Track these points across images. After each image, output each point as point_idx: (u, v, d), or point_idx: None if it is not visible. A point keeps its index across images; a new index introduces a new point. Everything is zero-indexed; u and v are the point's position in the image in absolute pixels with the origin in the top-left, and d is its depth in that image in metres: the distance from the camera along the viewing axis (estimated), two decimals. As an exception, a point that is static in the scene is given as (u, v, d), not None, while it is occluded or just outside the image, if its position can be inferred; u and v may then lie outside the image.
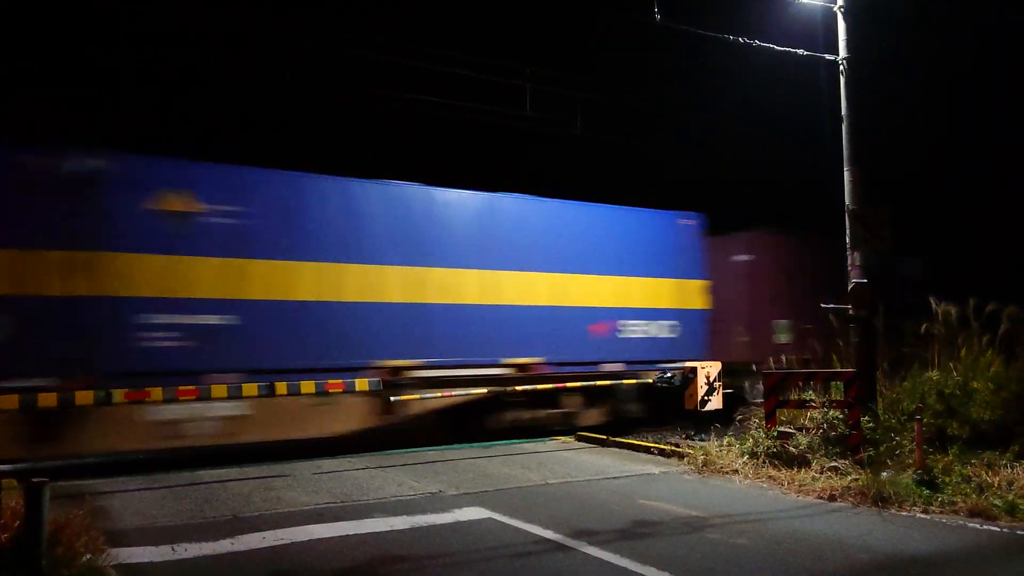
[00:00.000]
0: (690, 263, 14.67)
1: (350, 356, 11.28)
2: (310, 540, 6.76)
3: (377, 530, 7.10)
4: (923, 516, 7.64)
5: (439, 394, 11.89)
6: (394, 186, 12.15)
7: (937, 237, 19.93)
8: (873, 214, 10.70)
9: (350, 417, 11.31)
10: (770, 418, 9.99)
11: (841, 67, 11.27)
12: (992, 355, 10.58)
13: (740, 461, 9.73)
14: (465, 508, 7.93)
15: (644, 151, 22.36)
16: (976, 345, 10.75)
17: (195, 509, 8.00)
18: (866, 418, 9.70)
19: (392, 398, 11.49)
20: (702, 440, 11.30)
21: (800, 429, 9.99)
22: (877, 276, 10.68)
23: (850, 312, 10.71)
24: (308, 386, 10.66)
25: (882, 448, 9.32)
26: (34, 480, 5.41)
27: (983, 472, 8.52)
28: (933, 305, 11.07)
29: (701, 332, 14.65)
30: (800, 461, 9.37)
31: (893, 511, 7.79)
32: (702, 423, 12.14)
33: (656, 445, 11.51)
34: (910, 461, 8.78)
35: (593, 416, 13.51)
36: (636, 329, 13.89)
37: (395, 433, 11.90)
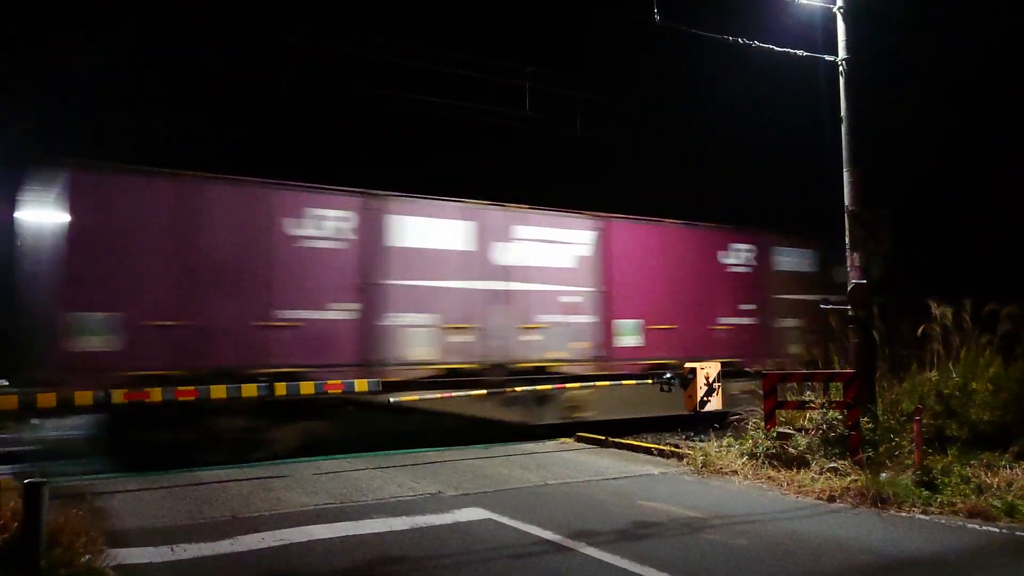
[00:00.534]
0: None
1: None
2: (309, 541, 6.76)
3: (376, 531, 7.09)
4: (922, 517, 7.64)
5: (437, 395, 11.89)
6: None
7: (936, 237, 19.92)
8: (872, 215, 10.70)
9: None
10: (769, 419, 10.00)
11: (841, 68, 11.27)
12: (991, 356, 10.58)
13: (739, 462, 9.73)
14: (464, 509, 7.93)
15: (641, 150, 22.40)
16: (975, 346, 10.75)
17: (194, 509, 8.00)
18: (865, 419, 9.70)
19: (391, 399, 11.49)
20: (701, 441, 11.30)
21: (799, 430, 9.99)
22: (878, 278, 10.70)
23: (849, 313, 10.72)
24: None
25: (881, 449, 9.32)
26: (33, 480, 5.42)
27: (982, 473, 8.53)
28: (932, 306, 11.07)
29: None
30: (799, 462, 9.37)
31: (892, 512, 7.79)
32: (702, 423, 12.15)
33: (655, 446, 11.51)
34: (909, 462, 8.78)
35: None
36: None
37: (396, 434, 11.93)
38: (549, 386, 13.05)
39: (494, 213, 13.24)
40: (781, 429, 9.94)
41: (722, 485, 9.19)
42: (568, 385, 13.20)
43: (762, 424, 10.13)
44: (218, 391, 10.27)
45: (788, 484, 8.88)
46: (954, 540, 6.87)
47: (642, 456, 11.32)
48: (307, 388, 10.98)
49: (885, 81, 18.43)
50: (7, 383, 10.64)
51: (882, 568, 6.06)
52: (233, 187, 11.27)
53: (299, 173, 11.93)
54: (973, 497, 7.84)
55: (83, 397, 9.65)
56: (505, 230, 13.30)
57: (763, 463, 9.54)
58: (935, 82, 21.85)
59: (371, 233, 12.08)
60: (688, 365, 12.57)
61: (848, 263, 10.83)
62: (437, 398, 11.89)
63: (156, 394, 9.98)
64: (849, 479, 8.60)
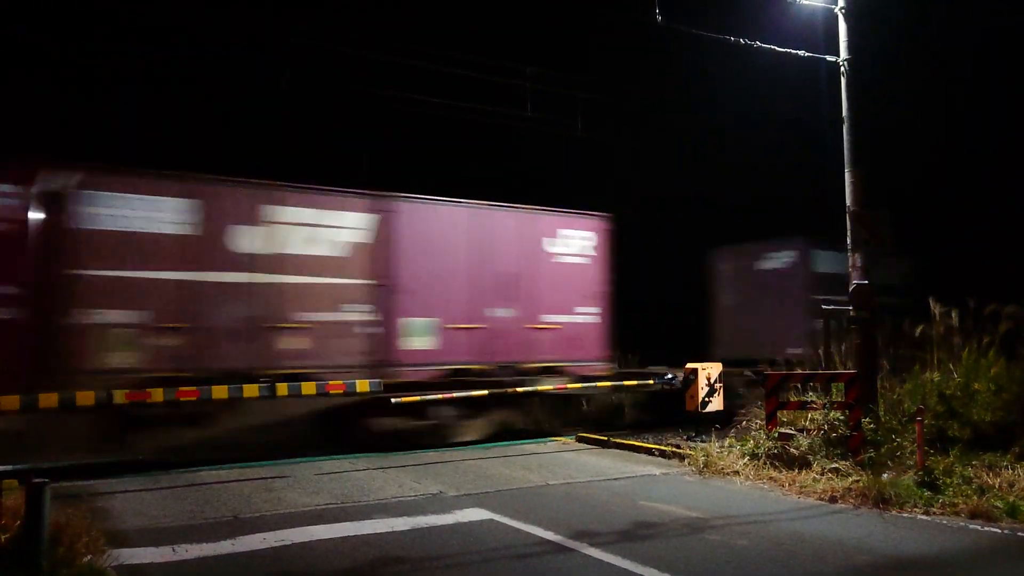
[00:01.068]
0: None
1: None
2: (311, 541, 6.76)
3: (378, 531, 7.09)
4: (924, 518, 7.63)
5: (439, 395, 11.88)
6: None
7: (938, 237, 19.93)
8: (874, 216, 10.70)
9: None
10: (771, 419, 9.99)
11: (842, 68, 11.26)
12: (993, 356, 10.57)
13: (741, 462, 9.72)
14: (466, 509, 7.93)
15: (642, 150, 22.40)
16: (977, 346, 10.74)
17: (196, 510, 8.00)
18: (867, 419, 9.69)
19: (393, 399, 11.48)
20: (703, 441, 11.29)
21: (801, 430, 9.98)
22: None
23: (851, 313, 10.71)
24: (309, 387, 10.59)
25: (883, 449, 9.31)
26: (35, 480, 5.42)
27: (984, 474, 8.53)
28: (932, 306, 11.06)
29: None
30: (801, 462, 9.36)
31: (894, 513, 7.78)
32: (703, 424, 12.13)
33: (657, 446, 11.51)
34: (911, 462, 8.78)
35: None
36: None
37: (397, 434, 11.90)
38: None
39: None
40: (783, 430, 9.94)
41: (724, 486, 9.18)
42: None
43: (764, 424, 10.13)
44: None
45: (790, 485, 8.88)
46: (956, 541, 6.86)
47: (643, 456, 11.31)
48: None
49: (887, 82, 18.44)
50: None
51: (884, 569, 6.06)
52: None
53: (303, 173, 11.96)
54: (975, 498, 7.82)
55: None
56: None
57: (765, 464, 9.54)
58: (937, 82, 21.85)
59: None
60: (689, 366, 12.55)
61: (849, 263, 10.83)
62: None
63: (363, 385, 10.66)
64: (851, 480, 8.59)
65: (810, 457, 9.41)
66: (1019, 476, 8.41)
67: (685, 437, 12.12)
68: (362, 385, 10.83)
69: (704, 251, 18.56)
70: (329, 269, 11.74)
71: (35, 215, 10.01)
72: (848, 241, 10.81)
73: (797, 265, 16.72)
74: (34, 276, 9.94)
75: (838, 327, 11.80)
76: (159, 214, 10.59)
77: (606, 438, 12.38)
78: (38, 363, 9.85)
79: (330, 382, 10.66)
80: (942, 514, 7.69)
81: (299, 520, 7.49)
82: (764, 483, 9.12)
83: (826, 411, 9.96)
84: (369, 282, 12.09)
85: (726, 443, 10.59)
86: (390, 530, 7.13)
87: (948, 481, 8.28)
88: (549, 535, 6.90)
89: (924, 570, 6.08)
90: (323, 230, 11.75)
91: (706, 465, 9.91)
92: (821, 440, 9.63)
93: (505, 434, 12.87)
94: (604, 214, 14.48)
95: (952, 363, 10.75)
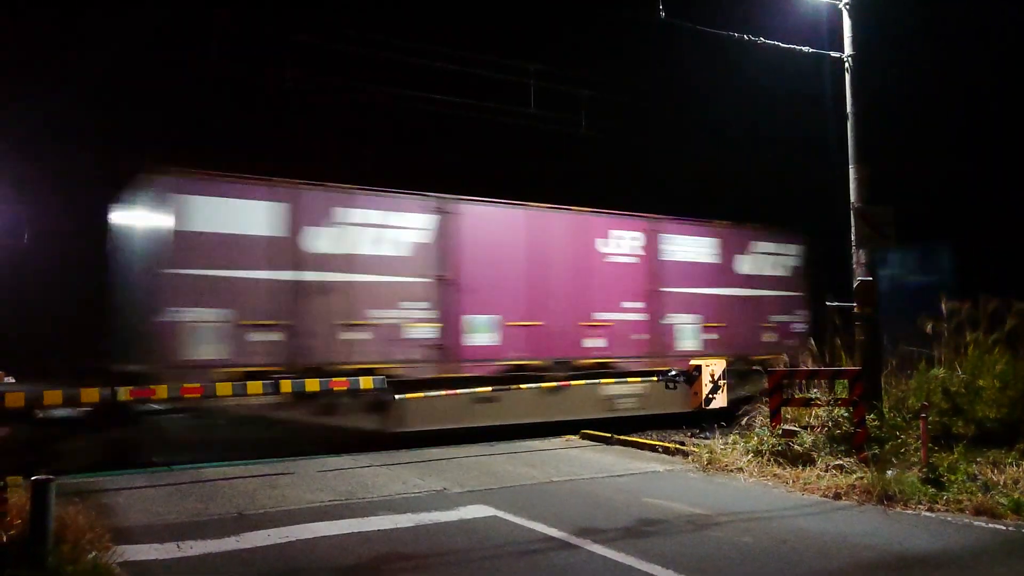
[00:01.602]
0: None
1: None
2: (315, 538, 6.77)
3: (382, 528, 7.10)
4: (928, 514, 7.62)
5: (442, 392, 11.89)
6: None
7: (943, 234, 19.83)
8: (878, 212, 10.67)
9: None
10: (775, 416, 9.98)
11: (847, 64, 11.23)
12: (999, 353, 10.54)
13: (745, 459, 9.72)
14: (470, 506, 7.94)
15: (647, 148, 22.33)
16: (983, 342, 10.71)
17: (200, 506, 8.02)
18: (871, 416, 9.68)
19: (396, 396, 11.50)
20: (707, 438, 11.29)
21: (805, 427, 9.97)
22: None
23: (855, 310, 10.69)
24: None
25: (887, 446, 9.30)
26: (40, 477, 5.43)
27: (989, 470, 8.51)
28: (941, 302, 11.03)
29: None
30: (805, 459, 9.35)
31: (898, 509, 7.77)
32: (707, 420, 12.13)
33: (661, 443, 11.50)
34: (915, 459, 8.77)
35: None
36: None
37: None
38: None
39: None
40: (787, 426, 9.93)
41: (727, 482, 9.17)
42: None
43: (768, 421, 10.11)
44: None
45: (794, 481, 8.87)
46: (960, 538, 6.85)
47: (647, 453, 11.31)
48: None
49: (892, 78, 18.36)
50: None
51: (888, 566, 6.05)
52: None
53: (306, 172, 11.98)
54: (979, 495, 7.81)
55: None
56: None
57: (768, 460, 9.52)
58: (942, 78, 21.76)
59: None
60: (693, 363, 12.56)
61: (854, 260, 10.80)
62: None
63: (367, 382, 11.00)
64: (855, 476, 8.58)
65: (814, 454, 9.40)
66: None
67: (689, 434, 12.12)
68: (365, 382, 10.88)
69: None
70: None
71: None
72: (852, 237, 10.79)
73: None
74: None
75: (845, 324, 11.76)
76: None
77: (610, 435, 12.38)
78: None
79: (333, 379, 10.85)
80: (946, 511, 7.68)
81: (303, 517, 7.50)
82: (768, 480, 9.11)
83: (830, 408, 9.95)
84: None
85: (730, 440, 10.59)
86: (394, 527, 7.14)
87: (952, 478, 8.27)
88: (553, 532, 6.91)
89: (929, 567, 6.07)
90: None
91: (710, 462, 9.90)
92: (825, 437, 9.63)
93: (509, 431, 12.86)
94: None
95: (958, 360, 10.72)
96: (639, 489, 8.81)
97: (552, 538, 6.73)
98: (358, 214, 11.95)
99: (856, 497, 8.15)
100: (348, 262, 11.77)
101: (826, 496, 8.32)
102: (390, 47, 12.70)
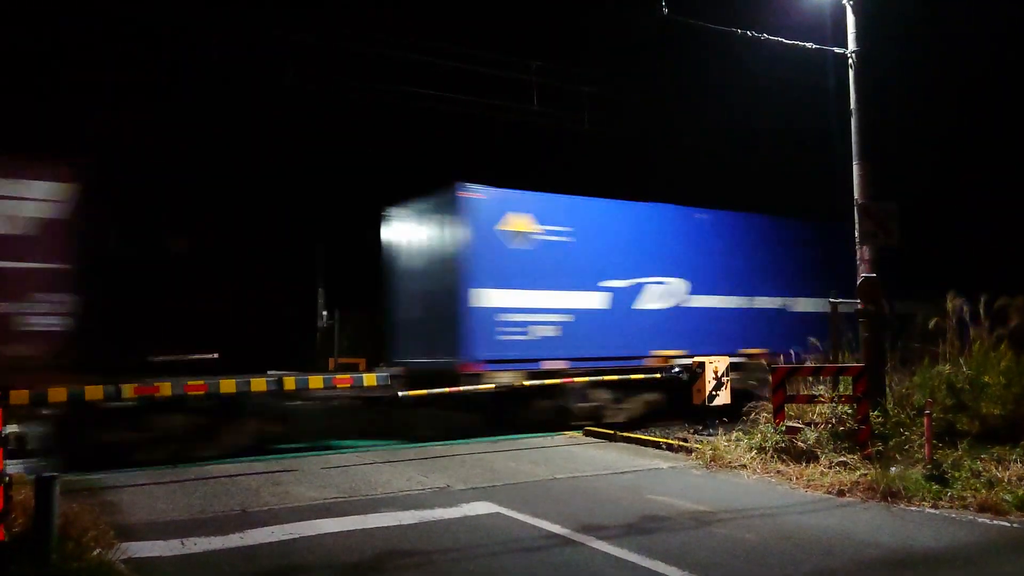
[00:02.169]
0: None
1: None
2: (319, 534, 6.78)
3: (385, 524, 7.11)
4: (932, 511, 7.60)
5: (445, 389, 11.89)
6: None
7: (948, 231, 19.82)
8: (882, 208, 10.65)
9: None
10: (778, 413, 9.96)
11: (850, 60, 11.20)
12: (1003, 349, 10.51)
13: (748, 456, 9.70)
14: (473, 503, 7.94)
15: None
16: (987, 339, 10.68)
17: (204, 503, 8.03)
18: (875, 413, 9.66)
19: (400, 393, 11.52)
20: (710, 435, 11.28)
21: (808, 424, 9.95)
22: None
23: (859, 307, 10.67)
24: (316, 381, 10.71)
25: (891, 443, 9.29)
26: (44, 474, 5.45)
27: (993, 467, 8.47)
28: (948, 299, 11.00)
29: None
30: (808, 456, 9.33)
31: (902, 506, 7.76)
32: (710, 417, 12.12)
33: (664, 440, 11.49)
34: (919, 456, 8.75)
35: None
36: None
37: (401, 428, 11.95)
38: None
39: None
40: (790, 423, 9.91)
41: (731, 479, 9.17)
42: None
43: (771, 418, 10.10)
44: None
45: (797, 478, 8.85)
46: (964, 534, 6.83)
47: (650, 450, 11.30)
48: None
49: (896, 75, 18.31)
50: None
51: (892, 562, 6.04)
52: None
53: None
54: (984, 491, 7.79)
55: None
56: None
57: (772, 457, 9.51)
58: (946, 76, 21.70)
59: None
60: (696, 359, 12.53)
61: (857, 257, 10.78)
62: None
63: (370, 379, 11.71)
64: (859, 473, 8.56)
65: (818, 451, 9.38)
66: (1028, 469, 8.36)
67: (692, 431, 12.11)
68: (369, 379, 10.91)
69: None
70: None
71: None
72: (856, 234, 10.77)
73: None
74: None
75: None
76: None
77: (612, 432, 12.38)
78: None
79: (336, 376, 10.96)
80: (951, 508, 7.66)
81: (307, 514, 7.51)
82: (771, 477, 9.10)
83: (834, 404, 9.93)
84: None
85: (733, 437, 10.56)
86: (397, 523, 7.15)
87: (957, 475, 8.25)
88: (556, 528, 6.91)
89: (933, 564, 6.06)
90: None
91: (713, 459, 9.89)
92: (829, 433, 9.60)
93: (512, 428, 12.87)
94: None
95: (962, 356, 10.70)
96: (642, 486, 8.80)
97: (555, 535, 6.73)
98: None
99: (860, 494, 8.14)
100: None
101: (830, 493, 8.30)
102: (390, 47, 12.69)
